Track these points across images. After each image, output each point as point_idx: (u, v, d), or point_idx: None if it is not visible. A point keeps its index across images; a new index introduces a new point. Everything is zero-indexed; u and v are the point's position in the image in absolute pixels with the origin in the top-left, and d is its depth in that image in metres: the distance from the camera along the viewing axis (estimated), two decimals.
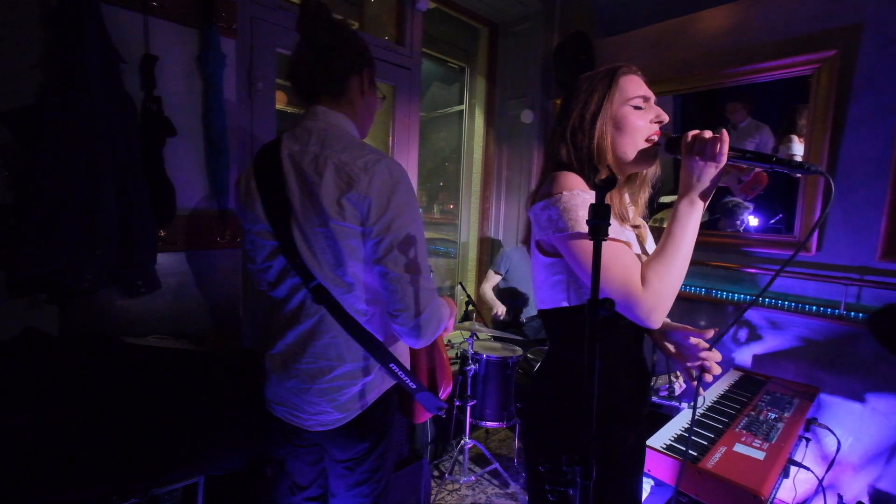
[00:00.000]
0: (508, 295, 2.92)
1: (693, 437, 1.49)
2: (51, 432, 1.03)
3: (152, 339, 1.45)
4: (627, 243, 0.89)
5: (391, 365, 1.05)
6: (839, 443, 1.84)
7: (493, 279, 2.93)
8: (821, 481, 1.67)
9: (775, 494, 1.47)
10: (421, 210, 3.81)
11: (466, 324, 2.37)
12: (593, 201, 0.68)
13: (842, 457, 1.96)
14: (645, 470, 1.33)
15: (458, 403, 2.30)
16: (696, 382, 0.96)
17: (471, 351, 2.31)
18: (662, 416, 1.88)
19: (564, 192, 0.87)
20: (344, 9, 2.62)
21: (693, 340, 0.97)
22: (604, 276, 0.83)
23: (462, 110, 3.41)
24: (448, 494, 2.33)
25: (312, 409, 1.06)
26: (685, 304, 2.42)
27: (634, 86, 0.96)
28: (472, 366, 2.30)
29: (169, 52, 1.51)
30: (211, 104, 1.61)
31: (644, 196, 1.06)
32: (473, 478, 2.45)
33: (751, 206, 2.29)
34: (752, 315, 2.25)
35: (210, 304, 1.69)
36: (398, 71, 2.48)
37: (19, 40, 1.26)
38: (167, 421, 1.17)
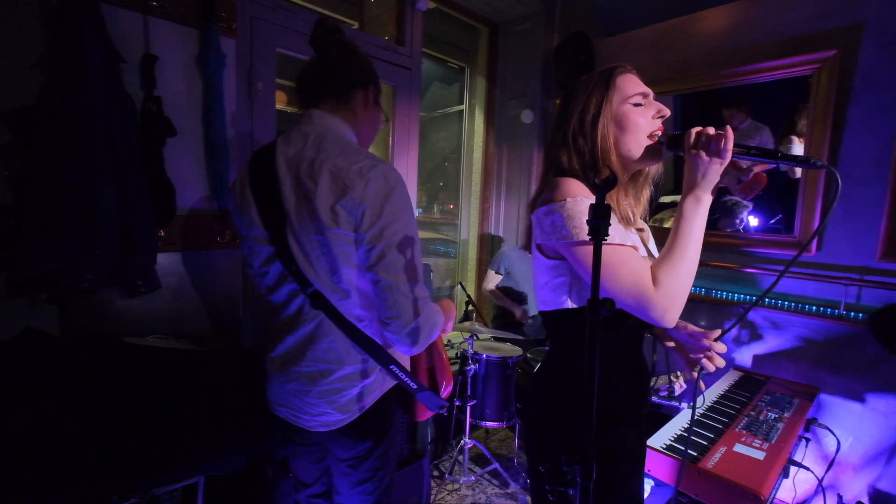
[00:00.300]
0: (507, 294, 2.92)
1: (693, 437, 1.49)
2: (51, 432, 1.03)
3: (152, 339, 1.45)
4: (634, 247, 0.90)
5: (392, 367, 1.06)
6: (839, 443, 1.84)
7: (494, 279, 2.93)
8: (821, 481, 1.67)
9: (775, 494, 1.47)
10: (421, 210, 3.81)
11: (466, 324, 2.36)
12: None
13: (842, 457, 1.96)
14: (645, 470, 1.33)
15: (458, 403, 2.30)
16: (696, 374, 0.97)
17: (471, 351, 2.31)
18: (662, 416, 1.88)
19: (568, 199, 0.87)
20: (344, 9, 2.62)
21: (697, 331, 0.99)
22: (616, 281, 0.84)
23: (462, 110, 3.41)
24: (448, 494, 2.33)
25: (314, 411, 1.07)
26: (685, 304, 2.42)
27: (632, 84, 0.96)
28: (472, 366, 2.30)
29: (169, 52, 1.51)
30: (211, 104, 1.61)
31: (646, 195, 1.06)
32: (473, 478, 2.45)
33: (750, 206, 2.29)
34: (752, 315, 2.25)
35: (210, 304, 1.69)
36: (398, 71, 2.48)
37: (19, 40, 1.26)
38: (167, 421, 1.17)
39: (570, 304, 0.95)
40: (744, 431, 1.55)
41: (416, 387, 1.09)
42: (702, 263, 2.40)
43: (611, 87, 0.95)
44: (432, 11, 2.79)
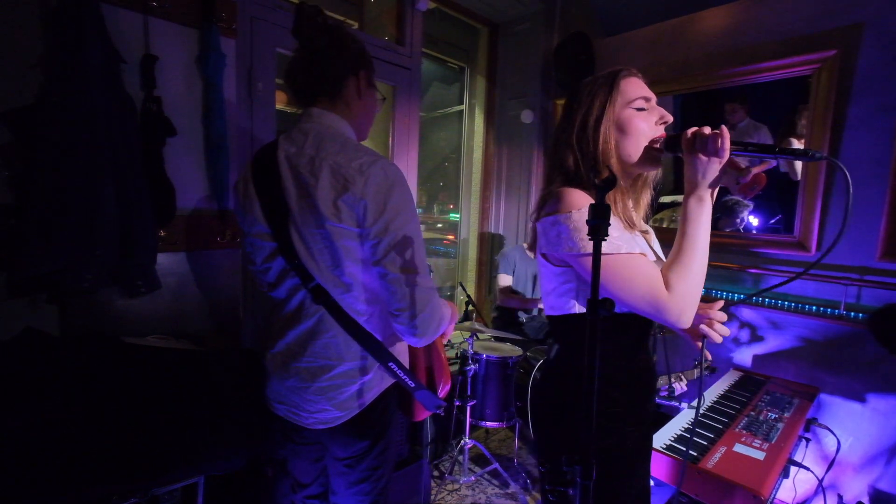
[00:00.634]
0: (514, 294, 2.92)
1: (693, 437, 1.49)
2: (51, 432, 1.03)
3: (152, 339, 1.45)
4: (643, 254, 0.90)
5: (390, 364, 1.06)
6: (839, 443, 1.84)
7: (506, 281, 2.90)
8: (821, 481, 1.67)
9: (775, 494, 1.47)
10: (421, 210, 3.82)
11: (466, 324, 2.36)
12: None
13: (842, 457, 1.96)
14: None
15: (458, 403, 2.30)
16: (700, 344, 0.97)
17: (471, 351, 2.31)
18: (662, 416, 1.88)
19: (574, 211, 0.88)
20: (344, 9, 2.62)
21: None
22: (631, 290, 0.85)
23: (462, 110, 3.41)
24: (448, 494, 2.33)
25: (312, 408, 1.07)
26: None
27: (635, 87, 0.96)
28: (472, 366, 2.30)
29: (169, 52, 1.51)
30: (211, 104, 1.61)
31: (646, 198, 1.06)
32: (473, 478, 2.45)
33: (751, 205, 2.29)
34: (752, 315, 2.25)
35: (210, 304, 1.69)
36: (398, 71, 2.48)
37: (19, 40, 1.26)
38: (167, 421, 1.17)
39: (577, 309, 0.96)
40: (744, 431, 1.55)
41: (414, 385, 1.09)
42: None
43: (614, 89, 0.95)
44: (432, 11, 2.79)
